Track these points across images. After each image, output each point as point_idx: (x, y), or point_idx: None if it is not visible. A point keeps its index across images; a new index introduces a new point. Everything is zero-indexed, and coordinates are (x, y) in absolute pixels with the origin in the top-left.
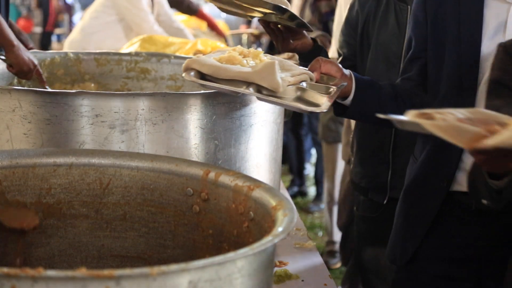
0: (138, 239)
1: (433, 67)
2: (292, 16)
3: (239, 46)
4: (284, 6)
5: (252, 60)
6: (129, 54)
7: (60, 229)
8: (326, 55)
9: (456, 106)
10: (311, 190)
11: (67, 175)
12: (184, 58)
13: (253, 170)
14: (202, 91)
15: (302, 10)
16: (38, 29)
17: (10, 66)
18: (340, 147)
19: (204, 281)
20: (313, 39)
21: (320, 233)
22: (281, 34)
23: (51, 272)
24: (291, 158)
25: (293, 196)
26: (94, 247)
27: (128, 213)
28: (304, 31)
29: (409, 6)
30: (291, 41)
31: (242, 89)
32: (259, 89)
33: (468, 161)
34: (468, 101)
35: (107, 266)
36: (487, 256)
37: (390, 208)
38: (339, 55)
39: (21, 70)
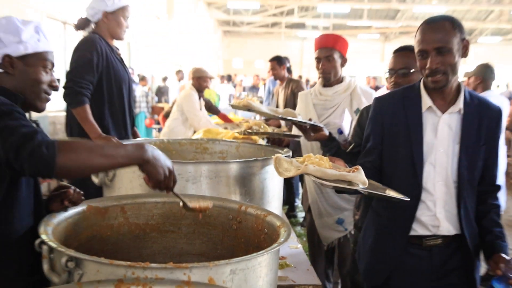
0: (202, 244)
1: (389, 156)
2: (301, 121)
3: (311, 154)
4: (289, 117)
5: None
6: (196, 139)
7: (158, 239)
8: (339, 144)
9: (409, 181)
10: (300, 214)
11: (162, 208)
12: (227, 141)
13: (267, 204)
14: (238, 160)
15: None
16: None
17: None
18: None
19: (239, 269)
20: (330, 133)
21: (304, 239)
22: (304, 130)
23: (153, 264)
24: (285, 196)
25: (288, 218)
26: (177, 249)
27: (196, 229)
28: (321, 127)
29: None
30: (311, 133)
31: (355, 187)
32: (350, 184)
33: (420, 215)
34: (419, 178)
35: (184, 261)
36: (443, 281)
37: None
38: (350, 143)
39: None
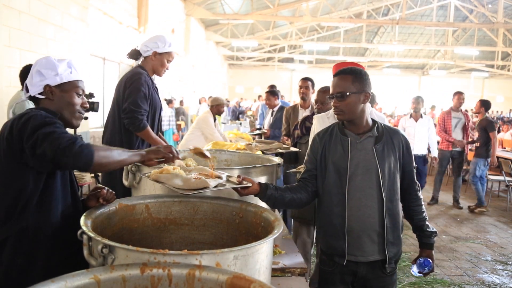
0: (210, 235)
1: None
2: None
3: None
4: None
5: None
6: (207, 150)
7: (176, 230)
8: (274, 194)
9: None
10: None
11: (179, 205)
12: (231, 152)
13: (263, 203)
14: (240, 167)
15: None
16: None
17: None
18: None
19: (241, 256)
20: (261, 185)
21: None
22: (235, 189)
23: (171, 251)
24: None
25: None
26: (190, 239)
27: (206, 223)
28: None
29: (349, 138)
30: (243, 191)
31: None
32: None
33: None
34: None
35: (196, 248)
36: None
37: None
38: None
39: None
